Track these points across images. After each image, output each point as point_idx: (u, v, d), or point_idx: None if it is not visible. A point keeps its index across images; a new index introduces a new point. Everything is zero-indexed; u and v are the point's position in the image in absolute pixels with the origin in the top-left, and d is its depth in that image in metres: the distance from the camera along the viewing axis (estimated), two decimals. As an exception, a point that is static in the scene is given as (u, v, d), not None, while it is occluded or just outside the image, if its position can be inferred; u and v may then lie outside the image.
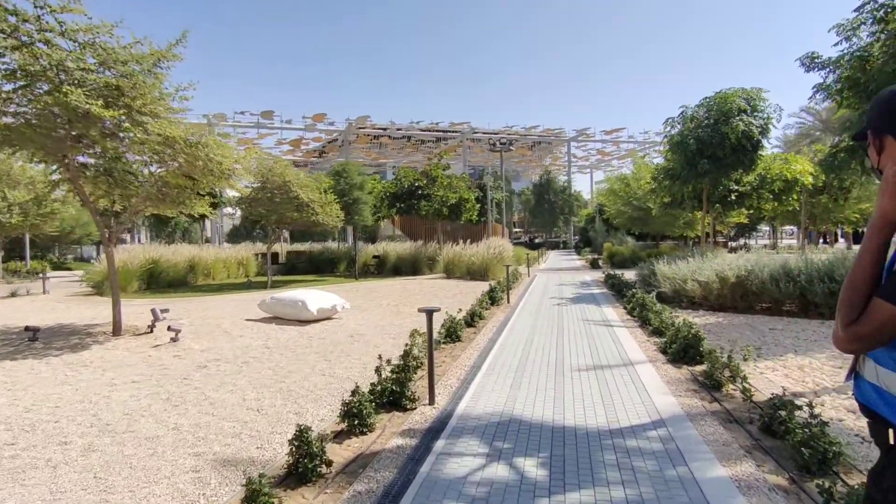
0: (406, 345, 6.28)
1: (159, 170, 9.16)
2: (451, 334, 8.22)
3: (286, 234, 49.43)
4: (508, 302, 12.66)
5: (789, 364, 6.39)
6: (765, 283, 9.98)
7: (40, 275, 19.45)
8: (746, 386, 5.03)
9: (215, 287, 18.23)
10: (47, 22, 7.36)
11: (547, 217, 58.13)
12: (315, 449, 3.54)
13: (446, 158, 26.88)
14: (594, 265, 26.13)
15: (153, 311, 9.28)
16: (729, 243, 40.17)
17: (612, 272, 17.39)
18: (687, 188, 14.95)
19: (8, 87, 7.62)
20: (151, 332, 9.22)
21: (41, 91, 7.53)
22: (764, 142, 13.67)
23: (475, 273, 19.64)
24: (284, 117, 57.86)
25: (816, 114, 40.61)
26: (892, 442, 1.38)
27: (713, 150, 13.33)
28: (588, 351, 7.31)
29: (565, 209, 57.60)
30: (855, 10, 9.77)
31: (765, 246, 46.90)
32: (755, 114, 13.56)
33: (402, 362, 6.06)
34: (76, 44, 7.64)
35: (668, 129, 14.56)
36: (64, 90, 6.94)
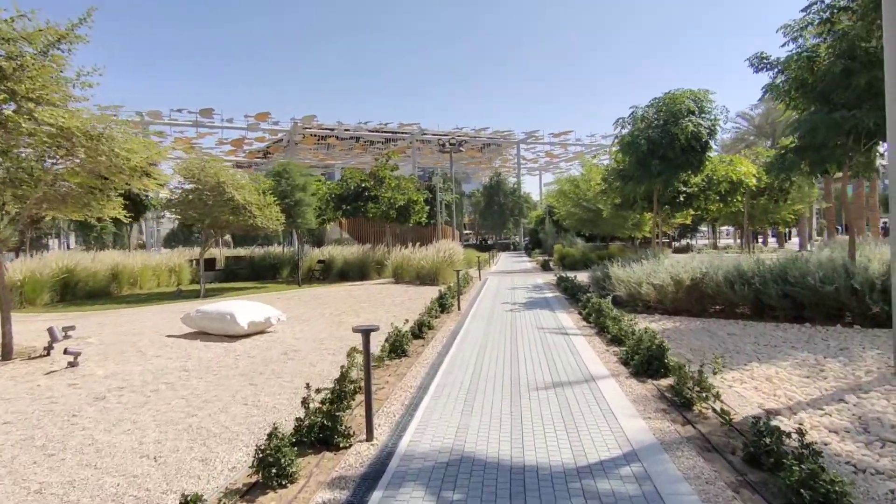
0: (342, 367, 5.48)
1: (57, 166, 7.92)
2: (397, 349, 7.46)
3: (229, 238, 47.18)
4: (459, 309, 12.02)
5: (756, 375, 6.02)
6: (719, 285, 9.76)
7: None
8: (723, 408, 4.54)
9: (142, 297, 16.67)
10: None
11: (497, 219, 58.19)
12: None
13: (395, 160, 26.07)
14: (545, 267, 25.97)
15: (50, 330, 8.02)
16: (673, 243, 41.30)
17: (563, 274, 17.10)
18: (639, 189, 14.81)
19: None
20: (48, 354, 7.96)
21: None
22: (711, 143, 13.65)
23: (425, 277, 18.93)
24: (225, 116, 55.26)
25: (751, 119, 42.48)
26: None
27: (664, 151, 13.19)
28: (546, 364, 6.73)
29: (515, 211, 57.84)
30: (802, 11, 9.71)
31: (705, 246, 48.63)
32: (703, 115, 13.53)
33: (336, 387, 5.26)
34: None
35: (619, 129, 14.35)
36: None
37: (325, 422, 4.33)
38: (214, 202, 15.80)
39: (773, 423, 4.10)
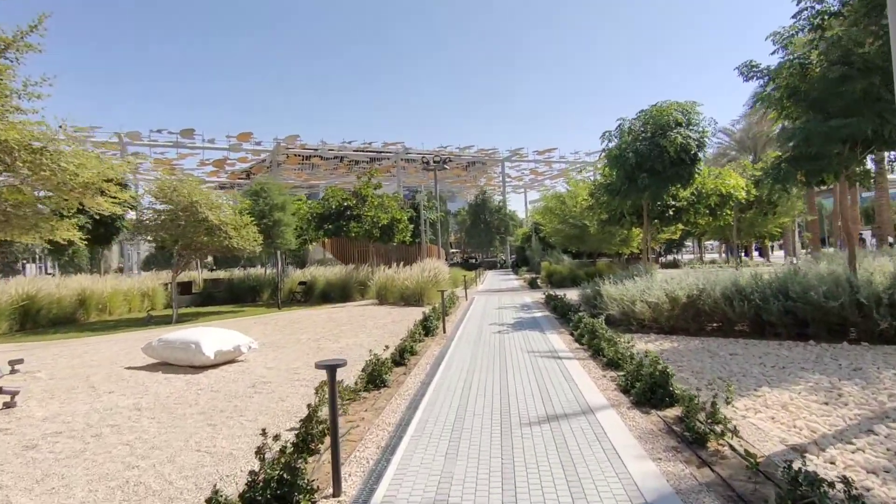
0: (309, 405, 4.82)
1: None
2: (375, 379, 6.79)
3: (211, 260, 46.03)
4: (444, 332, 11.38)
5: (770, 402, 5.47)
6: (717, 302, 9.29)
7: None
8: (746, 448, 3.97)
9: (109, 325, 15.76)
10: None
11: (483, 237, 57.78)
12: None
13: (380, 179, 25.56)
14: (533, 285, 25.46)
15: (-11, 365, 7.23)
16: (659, 258, 41.16)
17: (552, 293, 16.58)
18: (626, 204, 14.41)
19: None
20: (-14, 393, 7.15)
21: None
22: (700, 155, 13.33)
23: (409, 298, 18.27)
24: (206, 136, 54.53)
25: (732, 134, 42.84)
26: None
27: (652, 164, 12.82)
28: (538, 393, 6.12)
29: (501, 228, 57.54)
30: (792, 17, 9.44)
31: (691, 260, 48.64)
32: (691, 127, 13.23)
33: (302, 429, 4.61)
34: None
35: (606, 142, 13.99)
36: None
37: (285, 475, 3.66)
38: (187, 223, 15.08)
39: (803, 462, 3.55)
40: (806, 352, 7.75)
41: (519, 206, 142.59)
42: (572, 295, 16.07)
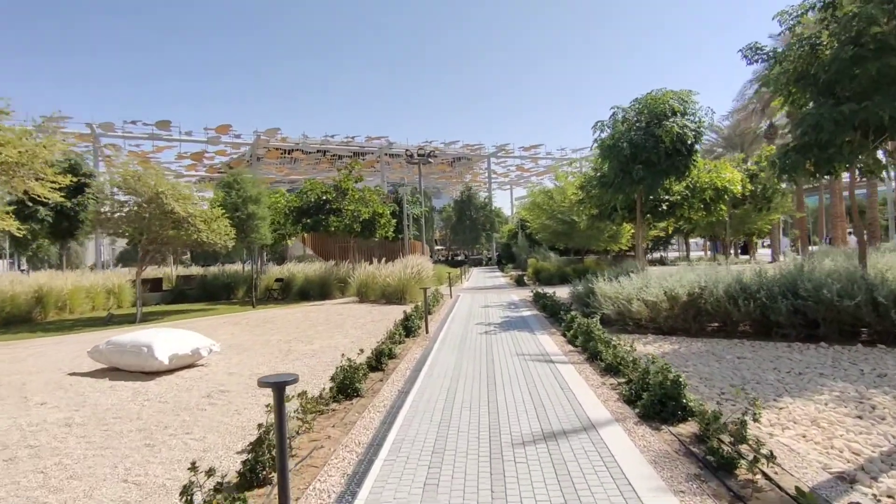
0: (261, 426, 4.01)
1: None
2: (346, 388, 5.99)
3: (188, 256, 44.60)
4: (427, 332, 10.60)
5: (795, 415, 4.79)
6: (720, 301, 8.63)
7: None
8: (792, 482, 3.25)
9: (67, 324, 14.68)
10: None
11: (469, 234, 57.05)
12: None
13: (364, 174, 24.67)
14: (520, 282, 24.79)
15: None
16: (646, 255, 40.82)
17: (540, 290, 15.89)
18: (618, 197, 13.74)
19: None
20: None
21: None
22: (697, 146, 12.70)
23: (391, 296, 17.45)
24: (184, 128, 52.95)
25: (720, 131, 42.64)
26: None
27: (647, 155, 12.17)
28: (532, 405, 5.38)
29: (487, 225, 56.88)
30: (802, -5, 8.80)
31: (677, 258, 48.44)
32: (687, 116, 12.59)
33: (250, 455, 3.81)
34: None
35: (598, 132, 13.29)
36: None
37: (217, 523, 2.86)
38: (152, 215, 14.07)
39: (855, 495, 2.86)
40: (820, 355, 7.13)
41: (505, 202, 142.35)
42: (561, 293, 15.41)
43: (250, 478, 3.72)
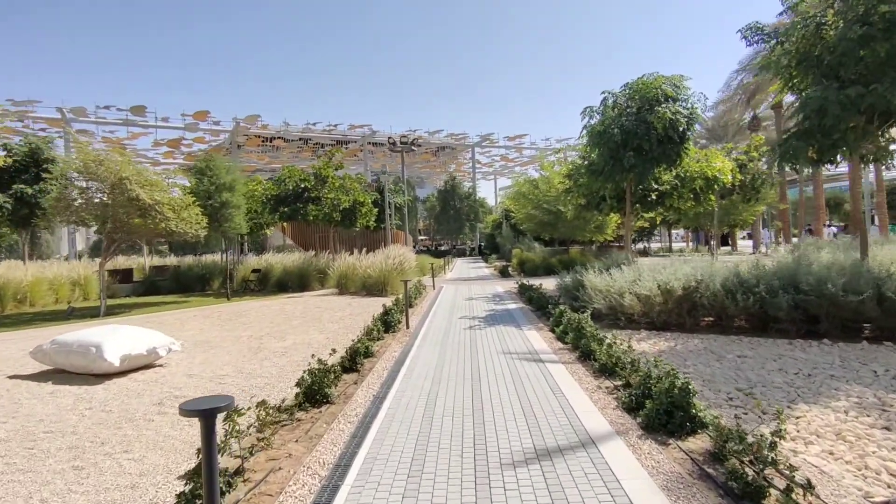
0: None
1: None
2: (315, 395, 5.37)
3: (167, 245, 43.22)
4: (408, 327, 10.00)
5: (815, 426, 4.30)
6: (717, 295, 8.17)
7: None
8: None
9: (25, 318, 13.78)
10: None
11: (453, 224, 56.39)
12: None
13: (346, 163, 23.88)
14: (504, 273, 24.29)
15: None
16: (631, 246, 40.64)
17: (526, 282, 15.38)
18: (607, 186, 13.24)
19: None
20: None
21: None
22: (689, 133, 12.22)
23: (372, 287, 16.80)
24: (160, 115, 51.20)
25: (704, 122, 42.48)
26: None
27: (638, 142, 11.65)
28: (521, 414, 4.82)
29: (471, 215, 56.29)
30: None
31: (659, 249, 48.45)
32: (679, 102, 12.09)
33: (189, 487, 3.20)
34: None
35: (587, 118, 12.73)
36: None
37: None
38: (115, 202, 13.19)
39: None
40: (824, 353, 6.70)
41: (489, 192, 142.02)
42: (547, 284, 14.93)
43: (187, 516, 3.10)
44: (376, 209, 24.47)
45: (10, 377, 7.07)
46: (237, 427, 3.92)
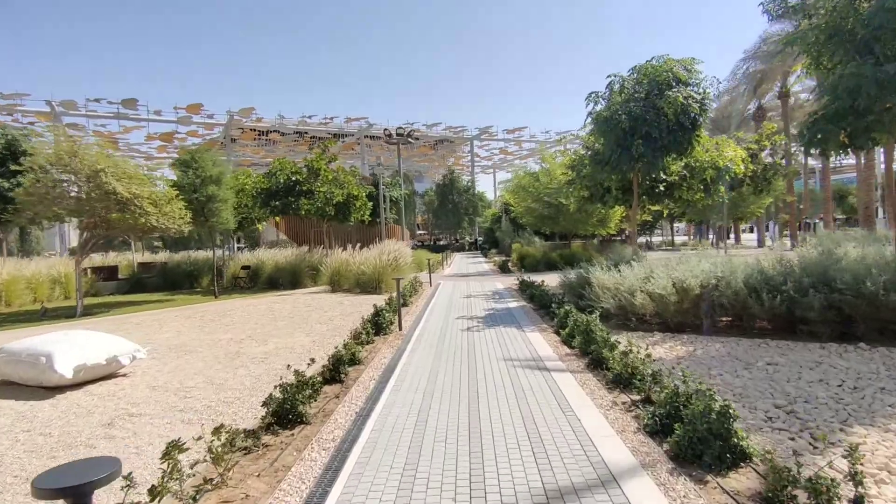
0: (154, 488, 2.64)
1: None
2: (287, 414, 4.64)
3: (161, 240, 42.37)
4: (401, 329, 9.27)
5: (880, 457, 3.57)
6: (739, 294, 7.44)
7: None
8: None
9: (-1, 318, 13.03)
10: None
11: (451, 218, 55.57)
12: None
13: (341, 155, 23.12)
14: (504, 269, 23.53)
15: None
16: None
17: (526, 278, 14.64)
18: (612, 177, 12.48)
19: None
20: None
21: None
22: (701, 120, 11.45)
23: (366, 285, 16.05)
24: (152, 108, 50.26)
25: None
26: None
27: (647, 129, 10.89)
28: (526, 439, 4.09)
29: (469, 209, 55.48)
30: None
31: (661, 243, 47.77)
32: (691, 87, 11.32)
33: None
34: None
35: (592, 105, 11.95)
36: None
37: None
38: (90, 196, 12.41)
39: None
40: (866, 360, 5.98)
41: (488, 186, 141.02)
42: (549, 280, 14.17)
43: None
44: (371, 203, 23.68)
45: (-47, 390, 6.33)
46: (178, 466, 3.18)
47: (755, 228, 38.65)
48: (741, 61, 28.27)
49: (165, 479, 3.09)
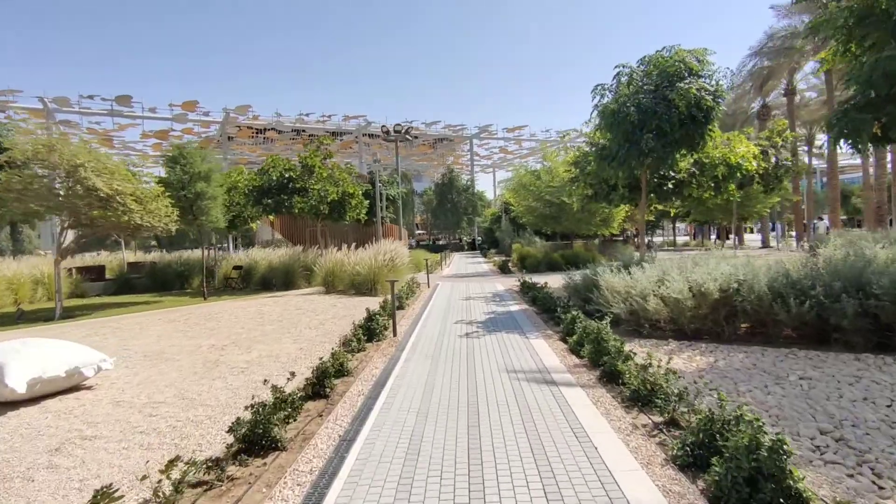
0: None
1: None
2: (259, 440, 4.02)
3: (155, 239, 41.67)
4: (395, 335, 8.65)
5: (967, 502, 2.97)
6: (763, 298, 6.83)
7: None
8: None
9: (-27, 321, 12.39)
10: None
11: (450, 217, 54.90)
12: None
13: (342, 155, 22.50)
14: (504, 269, 22.91)
15: None
16: (635, 240, 39.35)
17: (527, 279, 14.03)
18: (619, 174, 11.86)
19: None
20: None
21: None
22: (714, 113, 10.84)
23: (361, 286, 15.42)
24: (147, 104, 49.58)
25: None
26: None
27: (658, 122, 10.28)
28: (536, 475, 3.48)
29: (469, 209, 54.83)
30: None
31: (663, 243, 47.15)
32: (703, 78, 10.71)
33: None
34: None
35: (598, 98, 11.33)
36: None
37: None
38: (69, 192, 11.78)
39: None
40: (909, 374, 5.37)
41: (487, 186, 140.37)
42: (552, 282, 13.55)
43: None
44: (368, 202, 23.05)
45: None
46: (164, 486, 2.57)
47: (756, 228, 38.05)
48: (746, 58, 27.70)
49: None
